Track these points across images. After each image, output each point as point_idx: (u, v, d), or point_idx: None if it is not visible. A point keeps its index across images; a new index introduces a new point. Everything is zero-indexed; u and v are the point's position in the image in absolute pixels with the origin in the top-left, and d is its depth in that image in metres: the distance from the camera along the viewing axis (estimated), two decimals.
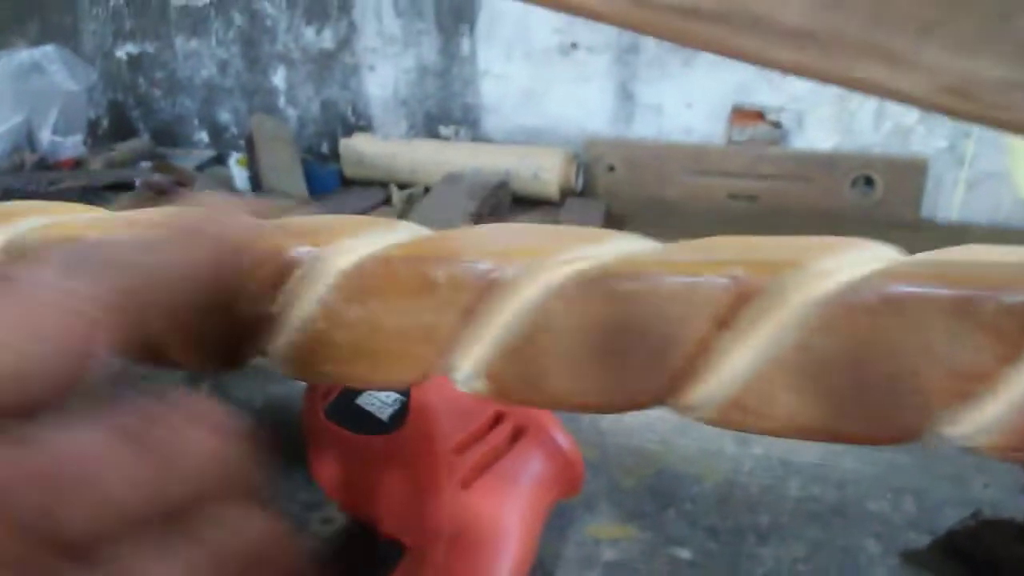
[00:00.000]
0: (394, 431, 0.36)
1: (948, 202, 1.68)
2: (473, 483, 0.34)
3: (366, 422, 0.39)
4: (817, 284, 0.18)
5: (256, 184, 1.56)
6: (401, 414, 0.45)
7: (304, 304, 0.23)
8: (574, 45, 1.76)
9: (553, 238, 0.23)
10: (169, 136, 2.14)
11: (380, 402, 0.53)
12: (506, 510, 0.56)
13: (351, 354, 0.24)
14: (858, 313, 0.18)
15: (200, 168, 1.69)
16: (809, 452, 0.86)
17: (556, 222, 1.45)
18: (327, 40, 1.94)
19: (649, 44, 1.71)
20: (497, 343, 0.21)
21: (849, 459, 0.85)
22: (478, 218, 1.44)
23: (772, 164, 1.68)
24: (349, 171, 1.82)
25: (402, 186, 1.73)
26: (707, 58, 1.74)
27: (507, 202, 1.57)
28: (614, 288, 0.20)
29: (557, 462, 0.61)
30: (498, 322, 0.22)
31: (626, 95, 1.78)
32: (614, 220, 1.52)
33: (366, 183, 1.81)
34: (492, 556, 0.54)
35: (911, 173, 1.64)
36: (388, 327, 0.23)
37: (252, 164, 1.60)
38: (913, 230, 1.59)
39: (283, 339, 0.24)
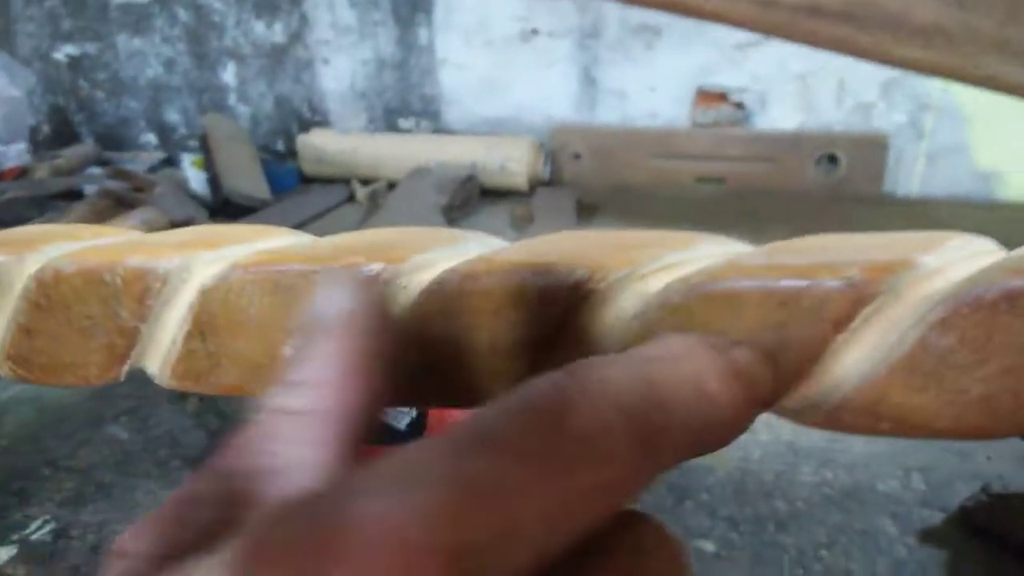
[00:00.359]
0: (412, 440, 0.35)
1: (909, 177, 1.70)
2: None
3: (383, 431, 0.37)
4: (932, 282, 0.18)
5: (215, 186, 1.51)
6: (419, 423, 0.43)
7: None
8: (535, 31, 1.74)
9: (637, 245, 0.22)
10: (115, 140, 2.06)
11: (397, 411, 0.51)
12: None
13: None
14: (978, 309, 0.17)
15: (152, 171, 1.63)
16: (815, 436, 0.85)
17: (528, 213, 1.43)
18: (278, 34, 1.88)
19: (610, 27, 1.70)
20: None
21: (855, 441, 0.85)
22: (449, 212, 1.41)
23: (738, 146, 1.68)
24: (308, 168, 1.77)
25: (365, 182, 1.69)
26: (669, 40, 1.74)
27: (476, 195, 1.55)
28: (721, 294, 0.19)
29: None
30: (591, 338, 0.21)
31: (589, 80, 1.76)
32: (585, 208, 1.50)
33: (327, 180, 1.77)
34: None
35: (873, 149, 1.66)
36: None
37: (209, 166, 1.54)
38: (876, 205, 1.61)
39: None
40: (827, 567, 0.64)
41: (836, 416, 0.19)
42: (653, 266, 0.21)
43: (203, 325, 0.24)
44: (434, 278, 0.23)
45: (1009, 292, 0.17)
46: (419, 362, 0.22)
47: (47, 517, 0.65)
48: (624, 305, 0.20)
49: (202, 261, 0.24)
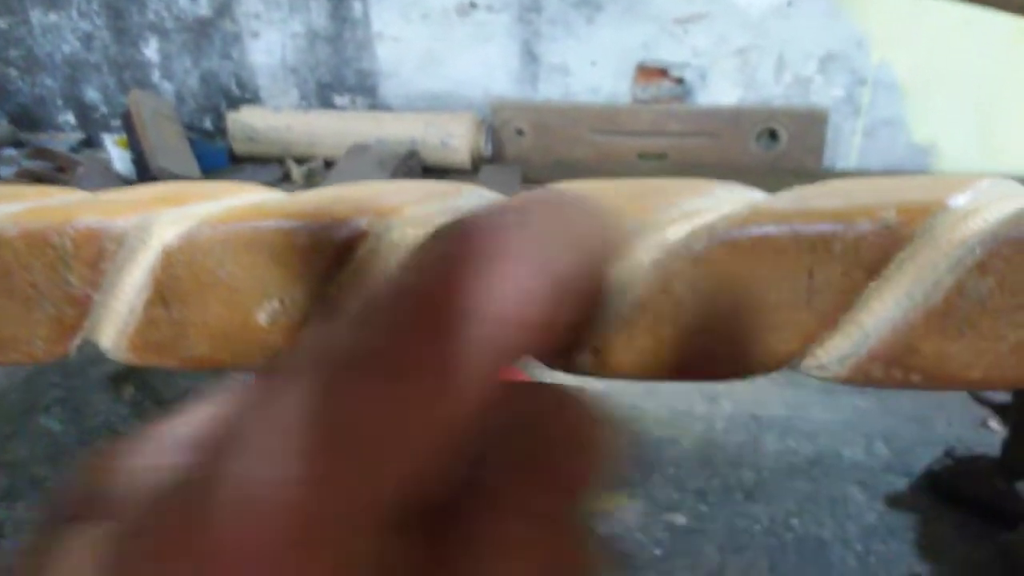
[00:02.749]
0: None
1: (847, 151, 1.72)
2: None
3: None
4: (967, 223, 0.18)
5: (141, 166, 1.43)
6: None
7: None
8: (473, 4, 1.70)
9: (651, 193, 0.21)
10: (29, 119, 1.95)
11: None
12: None
13: None
14: (1020, 250, 0.17)
15: (72, 152, 1.55)
16: (776, 405, 0.85)
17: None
18: (203, 7, 1.80)
19: (551, 1, 1.67)
20: (606, 310, 0.19)
21: (816, 409, 0.85)
22: None
23: (679, 121, 1.68)
24: (239, 147, 1.71)
25: (300, 160, 1.64)
26: (610, 14, 1.72)
27: (418, 171, 1.51)
28: (747, 240, 0.18)
29: None
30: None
31: (530, 55, 1.73)
32: (529, 185, 1.48)
33: (259, 159, 1.70)
34: None
35: (812, 124, 1.67)
36: None
37: (134, 144, 1.47)
38: (816, 179, 1.62)
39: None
40: (799, 536, 0.63)
41: (864, 368, 0.18)
42: (671, 214, 0.20)
43: (166, 291, 0.22)
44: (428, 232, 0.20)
45: None
46: None
47: None
48: (640, 256, 0.19)
49: (164, 220, 0.21)
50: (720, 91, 1.72)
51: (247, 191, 0.24)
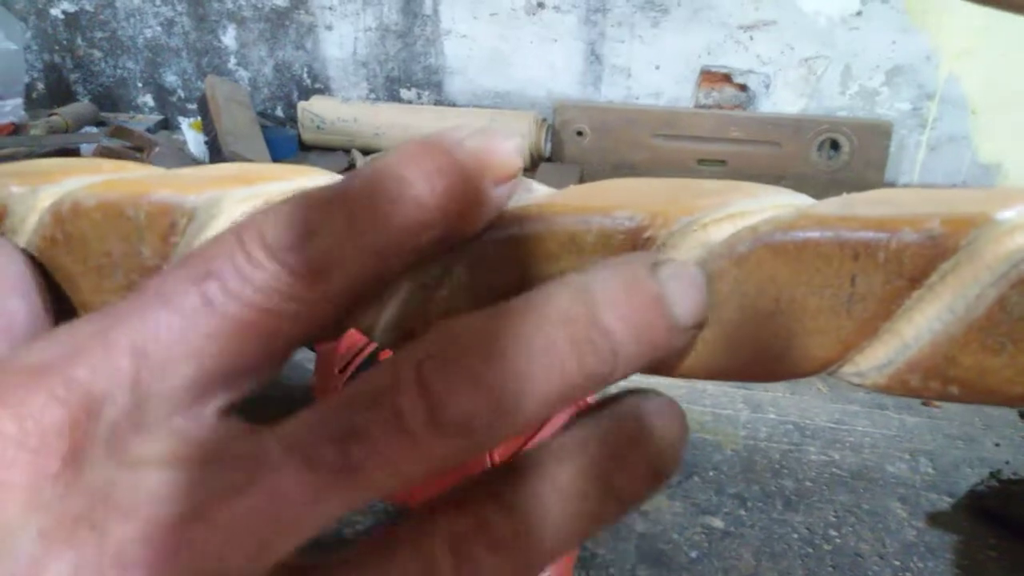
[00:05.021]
0: None
1: (911, 165, 1.70)
2: (511, 458, 0.33)
3: None
4: (1013, 238, 0.17)
5: (214, 149, 1.49)
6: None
7: None
8: (541, 4, 1.72)
9: (696, 193, 0.21)
10: (111, 100, 2.03)
11: None
12: None
13: None
14: None
15: (150, 133, 1.61)
16: (822, 416, 0.86)
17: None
18: None
19: (617, 3, 1.68)
20: None
21: (862, 422, 0.86)
22: None
23: (740, 128, 1.68)
24: (308, 136, 1.75)
25: (365, 152, 1.68)
26: (676, 19, 1.72)
27: None
28: (791, 244, 0.18)
29: None
30: None
31: (594, 56, 1.75)
32: None
33: (326, 149, 1.75)
34: None
35: (876, 136, 1.65)
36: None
37: (208, 128, 1.52)
38: None
39: None
40: (836, 547, 0.64)
41: (903, 378, 0.18)
42: (717, 214, 0.20)
43: None
44: None
45: None
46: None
47: None
48: (684, 255, 0.19)
49: (234, 198, 0.22)
50: (784, 100, 1.71)
51: (315, 174, 0.25)
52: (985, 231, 0.17)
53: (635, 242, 0.19)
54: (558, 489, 0.15)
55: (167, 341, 0.14)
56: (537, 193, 0.23)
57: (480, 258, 0.20)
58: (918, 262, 0.17)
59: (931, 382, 0.18)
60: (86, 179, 0.24)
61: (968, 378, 0.18)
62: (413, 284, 0.21)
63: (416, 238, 0.16)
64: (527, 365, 0.14)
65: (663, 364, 0.19)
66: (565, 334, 0.14)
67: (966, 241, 0.17)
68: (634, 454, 0.16)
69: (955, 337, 0.18)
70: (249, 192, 0.23)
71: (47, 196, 0.23)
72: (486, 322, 0.15)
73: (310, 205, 0.15)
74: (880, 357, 0.19)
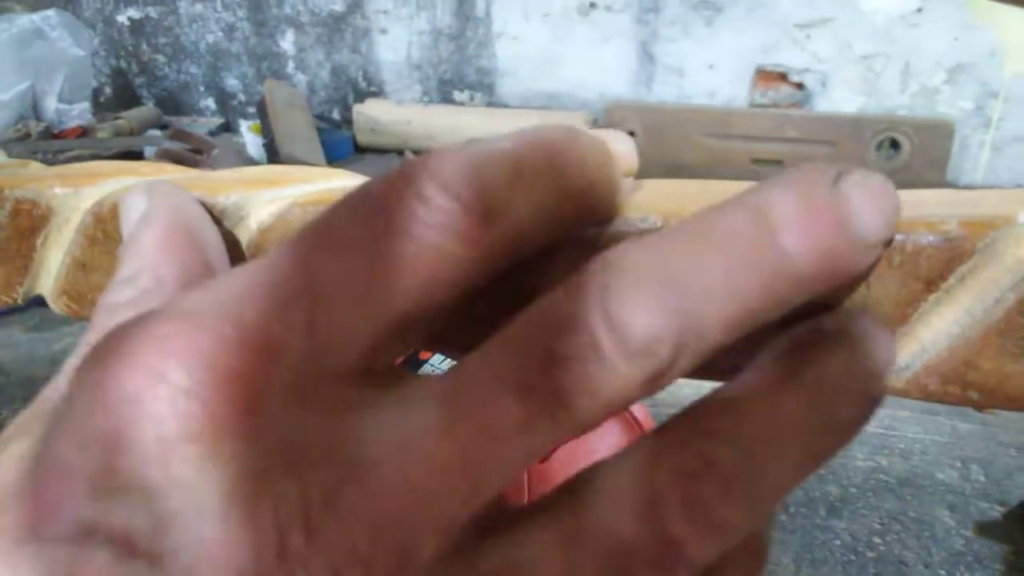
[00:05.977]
0: None
1: (974, 165, 1.65)
2: (550, 455, 0.32)
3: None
4: None
5: (272, 152, 1.52)
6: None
7: None
8: (593, 4, 1.72)
9: (719, 193, 0.21)
10: (174, 104, 2.09)
11: (442, 369, 0.51)
12: None
13: None
14: None
15: (211, 136, 1.65)
16: (871, 421, 0.84)
17: None
18: (337, 2, 1.89)
19: (670, 3, 1.67)
20: None
21: (912, 429, 0.84)
22: None
23: (796, 127, 1.65)
24: (362, 138, 1.78)
25: (418, 153, 1.70)
26: (730, 17, 1.70)
27: None
28: None
29: (633, 433, 0.59)
30: None
31: (647, 56, 1.74)
32: None
33: (380, 150, 1.77)
34: None
35: (937, 135, 1.61)
36: None
37: (266, 131, 1.56)
38: None
39: None
40: (880, 555, 0.63)
41: (921, 383, 0.18)
42: None
43: None
44: None
45: None
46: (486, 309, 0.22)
47: None
48: None
49: (260, 199, 0.23)
50: (841, 98, 1.68)
51: (340, 176, 0.26)
52: (1004, 233, 0.17)
53: None
54: (782, 422, 0.14)
55: (337, 282, 0.13)
56: None
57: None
58: (935, 264, 0.17)
59: (950, 387, 0.18)
60: (123, 181, 0.25)
61: (988, 383, 0.18)
62: None
63: (572, 206, 0.15)
64: (704, 292, 0.13)
65: (850, 282, 0.18)
66: (742, 259, 0.14)
67: (984, 243, 0.17)
68: (850, 381, 0.15)
69: (973, 341, 0.17)
70: (275, 194, 0.23)
71: (88, 197, 0.25)
72: (663, 246, 0.14)
73: (480, 152, 0.14)
74: (897, 362, 0.18)
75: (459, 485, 0.12)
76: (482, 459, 0.12)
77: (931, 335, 0.18)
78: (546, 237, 0.15)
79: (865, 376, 0.15)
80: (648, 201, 0.21)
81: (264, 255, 0.14)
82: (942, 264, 0.17)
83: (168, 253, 0.18)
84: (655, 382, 0.13)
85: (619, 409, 0.13)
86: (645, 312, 0.13)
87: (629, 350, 0.13)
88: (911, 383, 0.18)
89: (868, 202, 0.15)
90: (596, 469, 0.14)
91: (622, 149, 0.17)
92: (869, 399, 0.15)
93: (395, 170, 0.14)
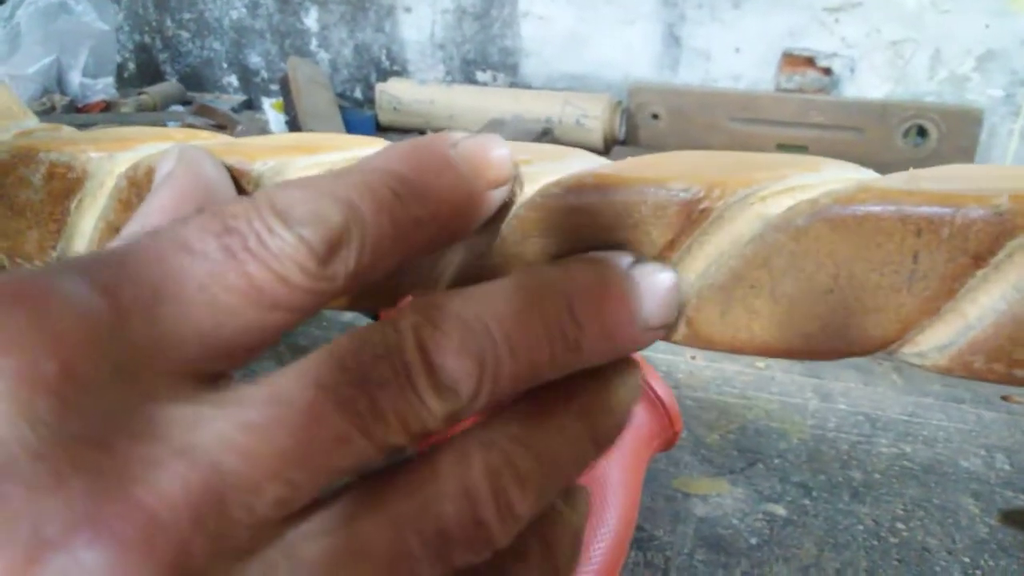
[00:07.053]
0: None
1: (1002, 153, 1.63)
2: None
3: None
4: None
5: (294, 129, 1.52)
6: None
7: None
8: None
9: (756, 166, 0.21)
10: (197, 80, 2.09)
11: None
12: (609, 463, 0.53)
13: None
14: None
15: (234, 112, 1.65)
16: (895, 408, 0.84)
17: None
18: None
19: None
20: (702, 280, 0.19)
21: (937, 416, 0.83)
22: None
23: (822, 112, 1.63)
24: (384, 117, 1.78)
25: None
26: (758, 1, 1.68)
27: None
28: (851, 218, 0.18)
29: (658, 414, 0.59)
30: (701, 257, 0.19)
31: (672, 39, 1.72)
32: None
33: (402, 130, 1.77)
34: (598, 509, 0.52)
35: (965, 123, 1.59)
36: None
37: (289, 108, 1.56)
38: None
39: None
40: (903, 540, 0.62)
41: (965, 360, 0.18)
42: (776, 187, 0.19)
43: None
44: (536, 191, 0.21)
45: None
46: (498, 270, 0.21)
47: None
48: (740, 227, 0.19)
49: (297, 166, 0.23)
50: (869, 84, 1.66)
51: (373, 144, 0.26)
52: None
53: (690, 213, 0.19)
54: (563, 435, 0.17)
55: (179, 282, 0.14)
56: (588, 164, 0.22)
57: (536, 225, 0.20)
58: (984, 239, 0.17)
59: (995, 364, 0.17)
60: (158, 146, 0.25)
61: None
62: (468, 253, 0.21)
63: (414, 233, 0.17)
64: (508, 350, 0.16)
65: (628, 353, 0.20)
66: (540, 320, 0.16)
67: None
68: (605, 410, 0.18)
69: (1021, 318, 0.17)
70: (312, 161, 0.23)
71: (123, 161, 0.25)
72: (483, 301, 0.16)
73: (326, 187, 0.16)
74: (941, 338, 0.18)
75: (270, 484, 0.13)
76: (297, 461, 0.13)
77: (977, 311, 0.17)
78: (397, 262, 0.17)
79: (617, 406, 0.18)
80: (692, 171, 0.21)
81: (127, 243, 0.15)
82: (991, 239, 0.17)
83: (175, 216, 0.19)
84: (452, 418, 0.15)
85: (419, 438, 0.15)
86: (456, 358, 0.15)
87: (439, 387, 0.15)
88: (955, 360, 0.18)
89: (654, 291, 0.18)
90: (427, 458, 0.16)
91: (496, 156, 0.19)
92: (621, 422, 0.18)
93: (246, 199, 0.15)
